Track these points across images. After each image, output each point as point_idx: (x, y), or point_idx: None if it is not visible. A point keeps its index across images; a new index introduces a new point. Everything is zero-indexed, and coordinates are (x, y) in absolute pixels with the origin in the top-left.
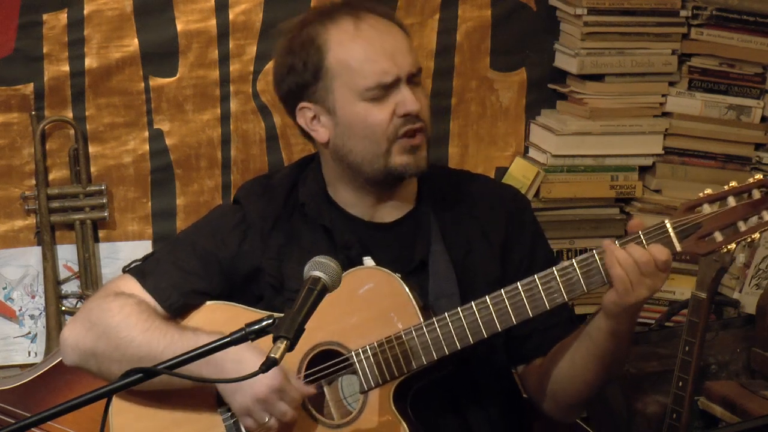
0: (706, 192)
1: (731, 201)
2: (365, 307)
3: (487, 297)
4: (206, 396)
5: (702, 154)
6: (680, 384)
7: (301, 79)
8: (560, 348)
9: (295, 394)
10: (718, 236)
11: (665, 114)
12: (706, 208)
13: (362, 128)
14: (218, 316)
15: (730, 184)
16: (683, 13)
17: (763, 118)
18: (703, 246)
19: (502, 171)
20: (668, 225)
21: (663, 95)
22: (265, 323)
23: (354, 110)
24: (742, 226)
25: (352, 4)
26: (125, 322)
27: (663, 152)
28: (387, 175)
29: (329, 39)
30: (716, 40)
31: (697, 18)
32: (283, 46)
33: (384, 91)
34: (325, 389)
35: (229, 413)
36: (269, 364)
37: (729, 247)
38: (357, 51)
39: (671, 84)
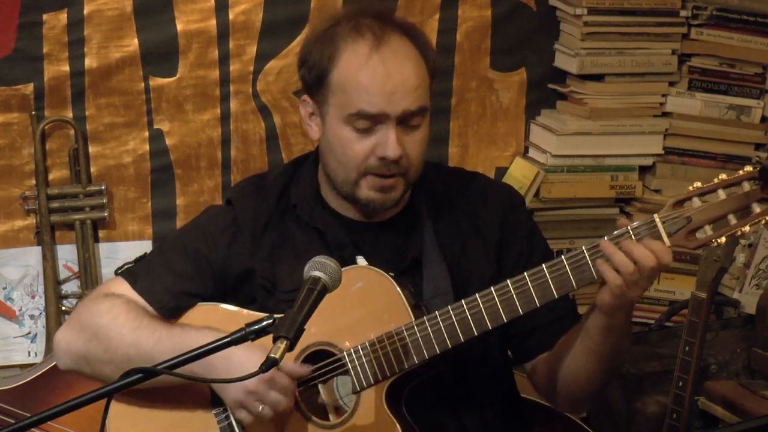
0: (695, 185)
1: (721, 194)
2: (357, 306)
3: (477, 295)
4: (200, 396)
5: (702, 154)
6: (680, 384)
7: (309, 76)
8: (562, 345)
9: (285, 382)
10: (708, 230)
11: (665, 114)
12: (696, 202)
13: (340, 152)
14: (211, 318)
15: (720, 177)
16: (683, 13)
17: (763, 118)
18: (693, 240)
19: (502, 171)
20: (657, 220)
21: (663, 95)
22: (265, 323)
23: (338, 132)
24: (732, 219)
25: (385, 18)
26: (114, 322)
27: (663, 152)
28: (354, 201)
29: (341, 56)
30: (716, 40)
31: (697, 18)
32: (311, 33)
33: (370, 123)
34: (321, 389)
35: (224, 414)
36: (269, 364)
37: (719, 240)
38: (357, 80)
39: (671, 84)
